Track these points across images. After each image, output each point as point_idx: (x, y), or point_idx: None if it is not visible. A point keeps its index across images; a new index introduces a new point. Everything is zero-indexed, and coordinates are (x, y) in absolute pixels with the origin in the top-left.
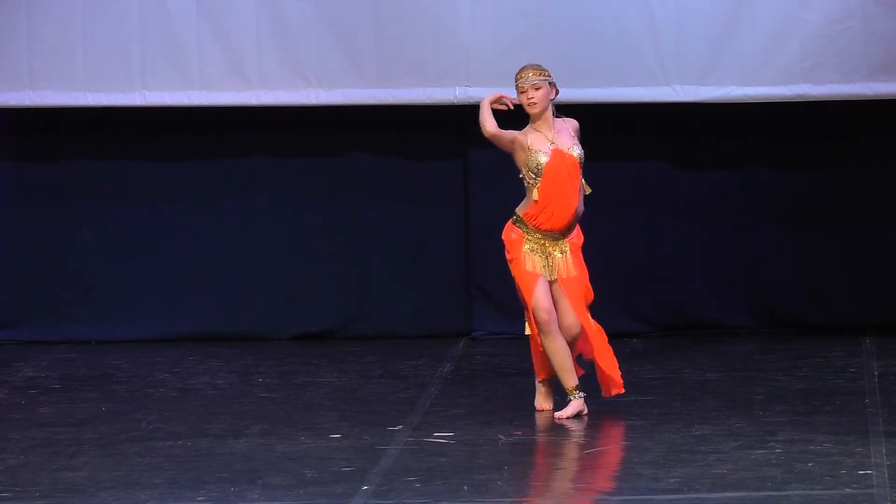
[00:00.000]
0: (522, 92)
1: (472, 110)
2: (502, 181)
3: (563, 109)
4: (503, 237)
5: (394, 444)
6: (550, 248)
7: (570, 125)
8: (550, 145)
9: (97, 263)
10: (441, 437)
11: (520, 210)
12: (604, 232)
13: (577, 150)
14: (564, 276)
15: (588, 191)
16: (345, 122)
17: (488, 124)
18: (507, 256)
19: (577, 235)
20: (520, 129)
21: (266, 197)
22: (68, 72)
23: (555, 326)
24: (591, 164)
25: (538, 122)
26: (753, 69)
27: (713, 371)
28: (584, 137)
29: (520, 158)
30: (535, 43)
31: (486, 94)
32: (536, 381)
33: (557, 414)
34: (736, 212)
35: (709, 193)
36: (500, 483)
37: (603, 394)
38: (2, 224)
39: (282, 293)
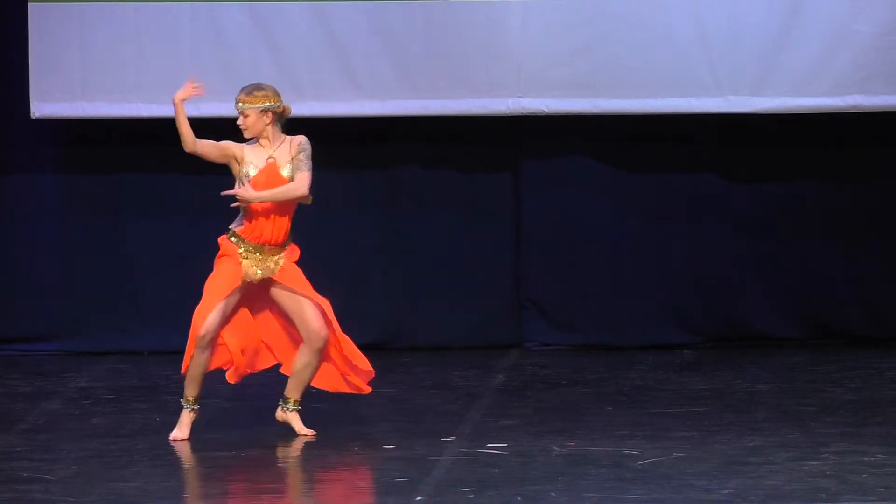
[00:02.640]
0: (245, 116)
1: (524, 121)
2: (553, 193)
3: (607, 119)
4: (220, 244)
5: (446, 454)
6: (264, 258)
7: (293, 143)
8: (268, 160)
9: (148, 275)
10: (494, 447)
11: (234, 224)
12: (655, 242)
13: (286, 171)
14: (288, 285)
15: (309, 202)
16: (396, 134)
17: (189, 141)
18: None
19: (291, 251)
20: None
21: (318, 208)
22: (120, 83)
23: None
24: (641, 175)
25: (261, 141)
26: (806, 80)
27: (764, 382)
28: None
29: (234, 170)
30: (586, 53)
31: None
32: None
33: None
34: (787, 223)
35: (760, 204)
36: (553, 494)
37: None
38: (56, 236)
39: (333, 304)
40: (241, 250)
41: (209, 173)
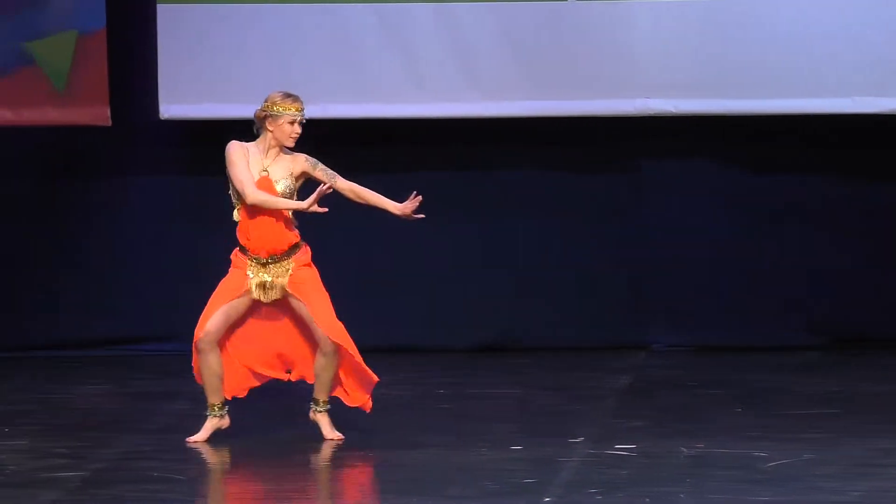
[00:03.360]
0: (293, 122)
1: (649, 122)
2: (677, 193)
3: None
4: (231, 259)
5: (574, 455)
6: (272, 269)
7: (292, 162)
8: (262, 172)
9: None
10: (621, 449)
11: (237, 234)
12: (776, 242)
13: (281, 186)
14: (297, 294)
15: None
16: (518, 135)
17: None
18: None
19: (301, 254)
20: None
21: (442, 209)
22: (248, 84)
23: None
24: (759, 176)
25: (272, 149)
26: None
27: (891, 383)
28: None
29: (232, 173)
30: (712, 55)
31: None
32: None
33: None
34: None
35: (880, 205)
36: (682, 496)
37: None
38: (183, 237)
39: (459, 305)
40: (249, 265)
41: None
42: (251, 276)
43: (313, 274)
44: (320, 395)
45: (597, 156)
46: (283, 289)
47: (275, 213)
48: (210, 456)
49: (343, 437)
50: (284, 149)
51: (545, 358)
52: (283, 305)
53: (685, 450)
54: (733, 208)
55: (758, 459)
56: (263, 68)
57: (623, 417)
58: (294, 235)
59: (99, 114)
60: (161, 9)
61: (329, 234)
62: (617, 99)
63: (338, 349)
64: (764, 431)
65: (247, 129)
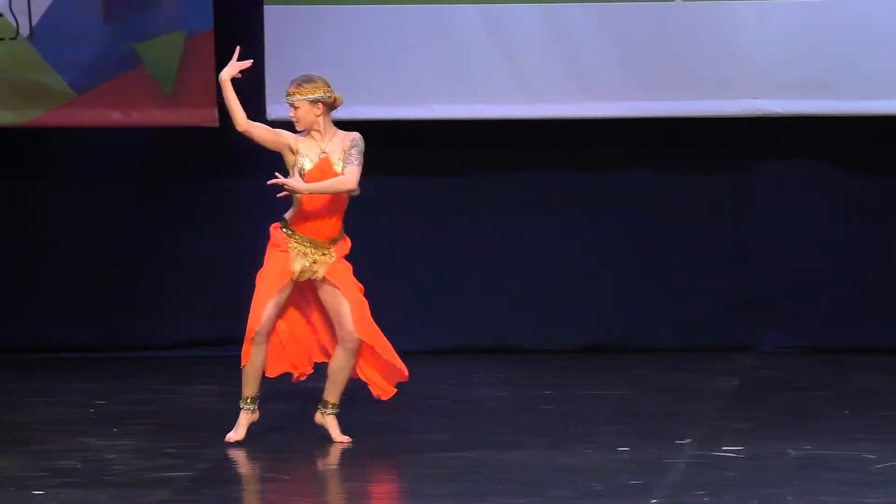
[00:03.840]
0: (290, 106)
1: (758, 123)
2: (785, 194)
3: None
4: (270, 234)
5: (681, 457)
6: (314, 254)
7: (346, 139)
8: (321, 154)
9: (376, 275)
10: (729, 450)
11: (287, 215)
12: (885, 244)
13: (339, 166)
14: (332, 281)
15: (356, 193)
16: (624, 135)
17: (240, 120)
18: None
19: (342, 245)
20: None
21: (550, 209)
22: (354, 84)
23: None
24: (868, 177)
25: (313, 133)
26: None
27: None
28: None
29: (288, 160)
30: (819, 54)
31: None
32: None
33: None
34: None
35: None
36: (790, 498)
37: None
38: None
39: (565, 306)
40: (291, 243)
41: (439, 175)
42: (293, 254)
43: (348, 267)
44: (331, 397)
45: (705, 156)
46: (318, 270)
47: (333, 199)
48: (315, 455)
49: (351, 440)
50: (327, 128)
51: (653, 359)
52: (313, 292)
53: (792, 451)
54: (844, 209)
55: (866, 461)
56: (368, 69)
57: (730, 419)
58: (341, 224)
59: (206, 115)
60: (268, 10)
61: (434, 232)
62: (723, 99)
63: (360, 348)
64: (872, 433)
65: (351, 130)
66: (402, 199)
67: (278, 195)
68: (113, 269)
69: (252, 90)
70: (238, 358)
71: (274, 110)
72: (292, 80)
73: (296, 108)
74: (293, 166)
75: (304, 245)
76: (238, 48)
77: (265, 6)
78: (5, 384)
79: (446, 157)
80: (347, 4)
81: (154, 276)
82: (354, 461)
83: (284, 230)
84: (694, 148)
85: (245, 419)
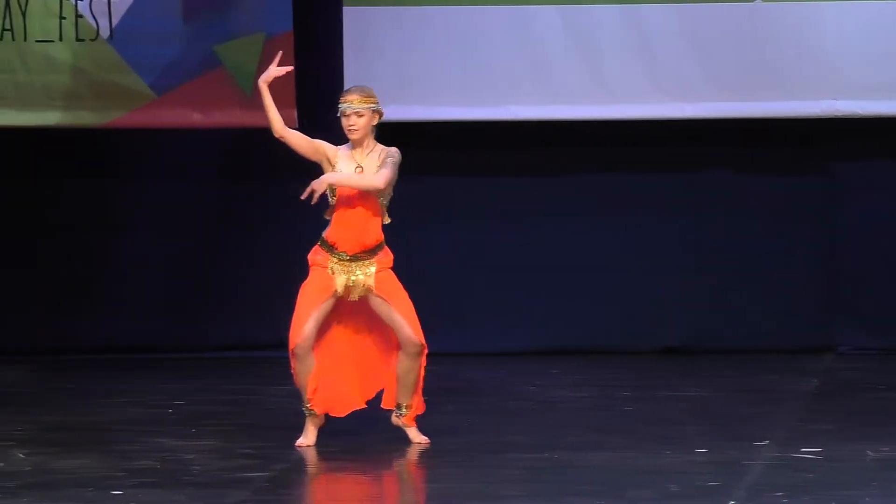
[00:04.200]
0: (345, 116)
1: (838, 124)
2: (865, 196)
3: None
4: (308, 259)
5: (759, 459)
6: (355, 269)
7: (384, 153)
8: (357, 168)
9: (458, 276)
10: (807, 452)
11: (325, 232)
12: None
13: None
14: (380, 292)
15: (386, 220)
16: (702, 137)
17: (276, 125)
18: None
19: (383, 256)
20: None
21: (626, 211)
22: (434, 85)
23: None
24: None
25: (357, 146)
26: None
27: None
28: None
29: (325, 171)
30: None
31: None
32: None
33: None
34: None
35: None
36: (868, 500)
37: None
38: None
39: (644, 307)
40: (331, 260)
41: (522, 175)
42: (335, 273)
43: (393, 277)
44: (403, 399)
45: (786, 158)
46: (366, 287)
47: (366, 209)
48: (394, 456)
49: (429, 441)
50: (370, 140)
51: (731, 360)
52: (362, 307)
53: (871, 453)
54: None
55: None
56: (446, 70)
57: (809, 420)
58: (380, 234)
59: (286, 116)
60: (347, 11)
61: (514, 232)
62: (803, 100)
63: (422, 351)
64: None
65: (433, 132)
66: (480, 200)
67: (311, 203)
68: (196, 269)
69: (328, 91)
70: None
71: None
72: (352, 88)
73: (360, 115)
74: None
75: (343, 261)
76: (280, 53)
77: (344, 7)
78: (88, 385)
79: (522, 157)
80: (426, 5)
81: (237, 276)
82: (434, 462)
83: (323, 247)
84: (773, 149)
85: (312, 424)
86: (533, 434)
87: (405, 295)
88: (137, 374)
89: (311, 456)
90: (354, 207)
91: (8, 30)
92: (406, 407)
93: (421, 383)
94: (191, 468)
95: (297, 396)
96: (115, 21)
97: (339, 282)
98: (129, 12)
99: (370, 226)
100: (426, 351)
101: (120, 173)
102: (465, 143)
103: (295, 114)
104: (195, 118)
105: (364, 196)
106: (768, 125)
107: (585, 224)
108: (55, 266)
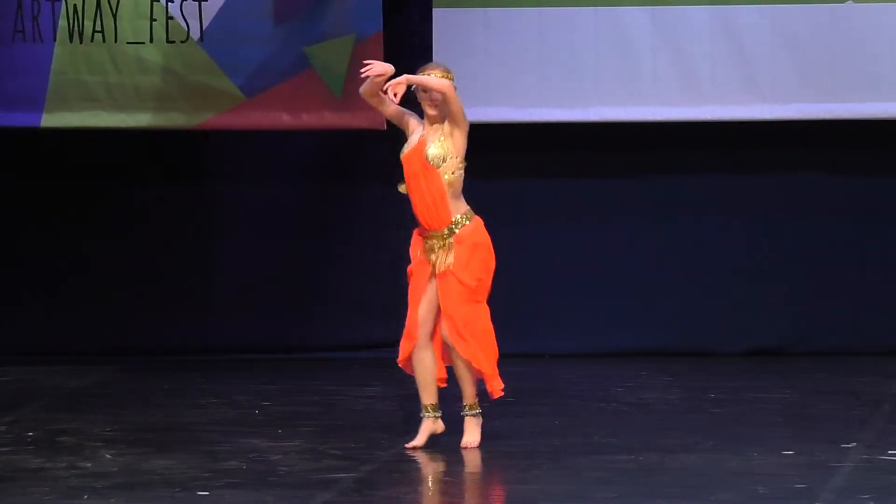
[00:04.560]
0: (425, 91)
1: None
2: None
3: None
4: (410, 253)
5: (847, 461)
6: (435, 244)
7: (447, 124)
8: (419, 138)
9: (550, 278)
10: (895, 455)
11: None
12: None
13: (430, 150)
14: (442, 271)
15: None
16: (795, 138)
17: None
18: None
19: (470, 233)
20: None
21: (718, 211)
22: (524, 87)
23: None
24: None
25: (433, 121)
26: None
27: None
28: None
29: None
30: None
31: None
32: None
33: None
34: None
35: None
36: None
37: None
38: None
39: (733, 309)
40: (425, 239)
41: (608, 177)
42: (427, 251)
43: (471, 258)
44: (466, 399)
45: (876, 159)
46: (445, 264)
47: (430, 185)
48: (482, 457)
49: (474, 445)
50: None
51: (820, 362)
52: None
53: None
54: None
55: None
56: (534, 70)
57: None
58: (454, 210)
59: (375, 118)
60: (437, 13)
61: (605, 233)
62: (894, 102)
63: (456, 350)
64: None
65: (520, 133)
66: (571, 201)
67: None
68: (286, 271)
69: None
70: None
71: None
72: (436, 64)
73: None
74: None
75: (431, 238)
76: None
77: (434, 9)
78: (180, 385)
79: (611, 158)
80: (515, 7)
81: (320, 276)
82: (523, 464)
83: (418, 230)
84: (864, 149)
85: (425, 427)
86: (622, 436)
87: (467, 294)
88: (227, 376)
89: (399, 456)
90: (414, 177)
91: (99, 31)
92: (466, 407)
93: (472, 375)
94: (277, 469)
95: (382, 399)
96: (205, 23)
97: (432, 259)
98: (220, 14)
99: (436, 201)
100: (464, 350)
101: (211, 174)
102: (549, 144)
103: (383, 115)
104: (285, 120)
105: (427, 173)
106: (860, 125)
107: (676, 226)
108: (146, 268)
